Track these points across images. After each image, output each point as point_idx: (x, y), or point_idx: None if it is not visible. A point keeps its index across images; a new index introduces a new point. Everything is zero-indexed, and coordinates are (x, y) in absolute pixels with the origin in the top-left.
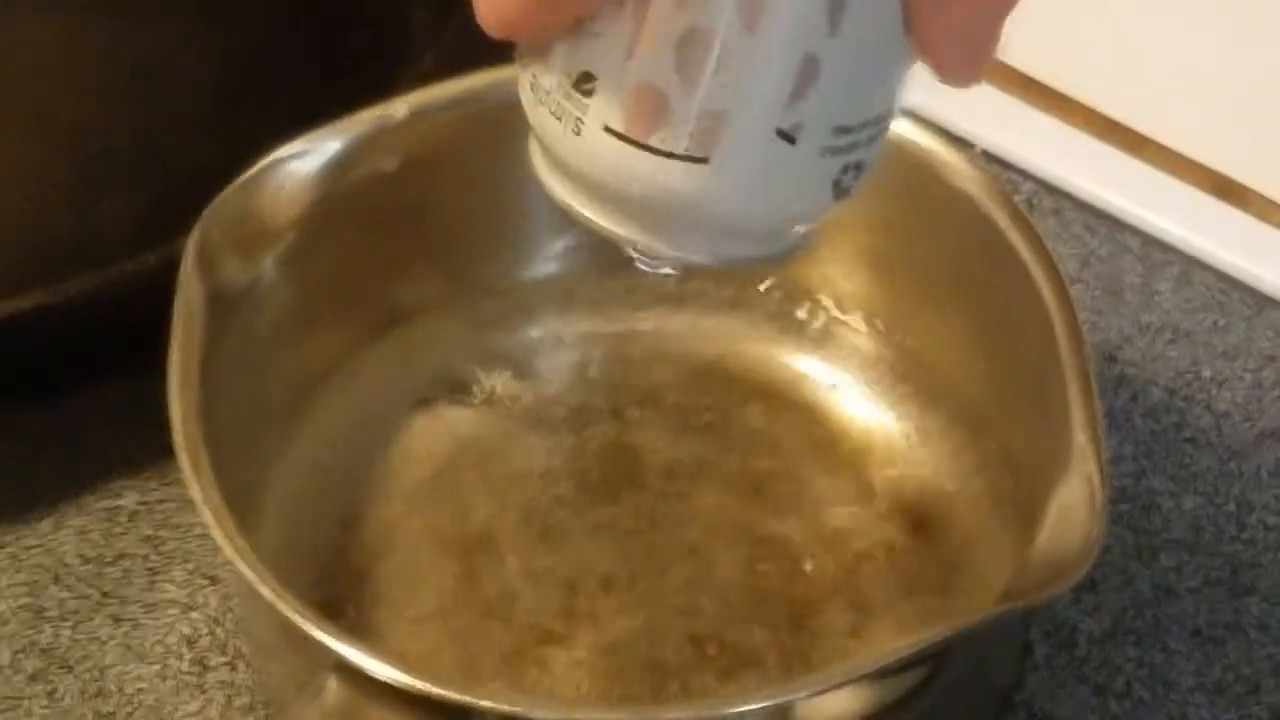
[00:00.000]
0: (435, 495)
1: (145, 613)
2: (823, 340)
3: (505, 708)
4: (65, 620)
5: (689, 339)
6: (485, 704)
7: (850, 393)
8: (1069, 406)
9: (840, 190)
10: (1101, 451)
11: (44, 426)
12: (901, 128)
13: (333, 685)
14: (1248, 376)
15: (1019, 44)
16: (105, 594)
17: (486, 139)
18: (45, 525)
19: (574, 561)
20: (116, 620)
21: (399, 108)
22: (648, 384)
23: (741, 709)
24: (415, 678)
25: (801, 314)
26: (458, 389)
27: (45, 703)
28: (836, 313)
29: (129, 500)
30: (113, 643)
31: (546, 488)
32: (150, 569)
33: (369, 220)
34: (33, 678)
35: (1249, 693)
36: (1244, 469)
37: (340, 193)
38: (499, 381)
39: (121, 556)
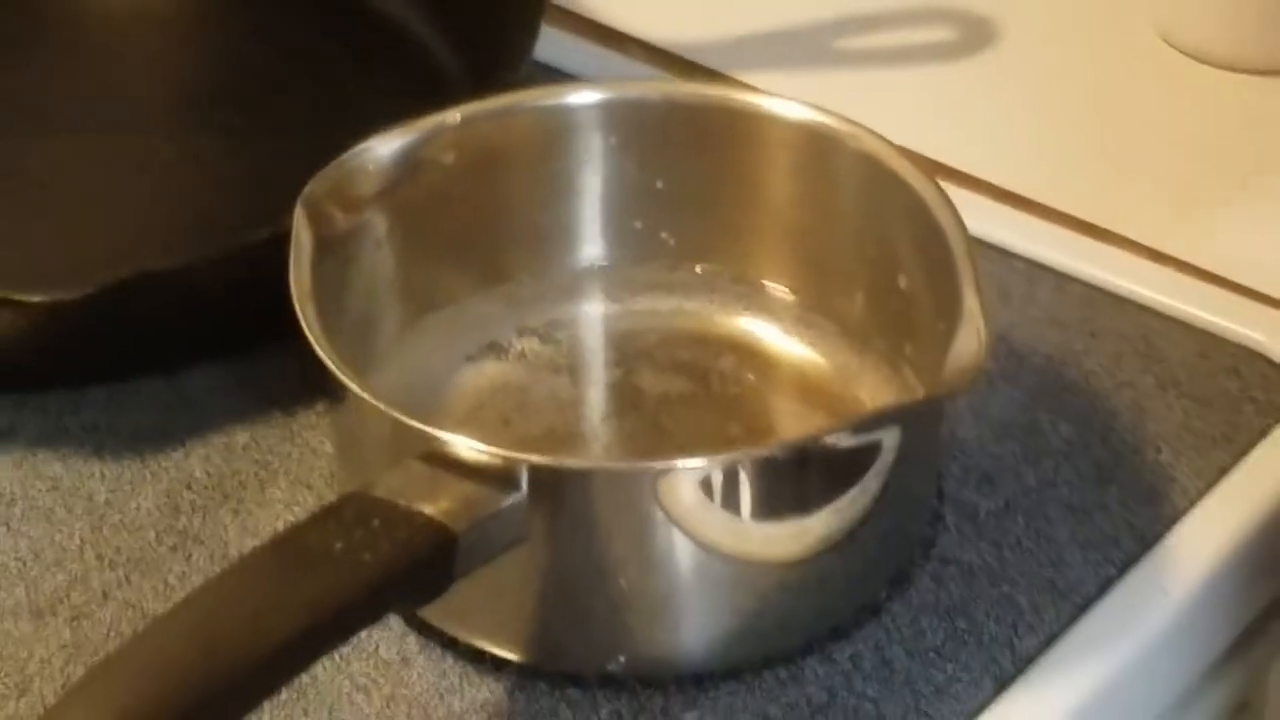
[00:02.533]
0: (478, 419)
1: (258, 507)
2: (765, 306)
3: (564, 463)
4: (195, 512)
5: (676, 314)
6: (541, 460)
7: (786, 341)
8: (960, 285)
9: None
10: (985, 307)
11: (168, 393)
12: (800, 113)
13: (417, 465)
14: (1108, 347)
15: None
16: (225, 495)
17: (522, 147)
18: (177, 454)
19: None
20: (235, 513)
21: (453, 115)
22: (644, 345)
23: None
24: (490, 446)
25: (749, 291)
26: (497, 349)
27: (183, 566)
28: (770, 286)
29: (241, 438)
30: (233, 527)
31: (564, 412)
32: (259, 480)
33: (431, 206)
34: (172, 549)
35: (1111, 545)
36: (1106, 406)
37: (410, 178)
38: (528, 344)
39: (236, 472)
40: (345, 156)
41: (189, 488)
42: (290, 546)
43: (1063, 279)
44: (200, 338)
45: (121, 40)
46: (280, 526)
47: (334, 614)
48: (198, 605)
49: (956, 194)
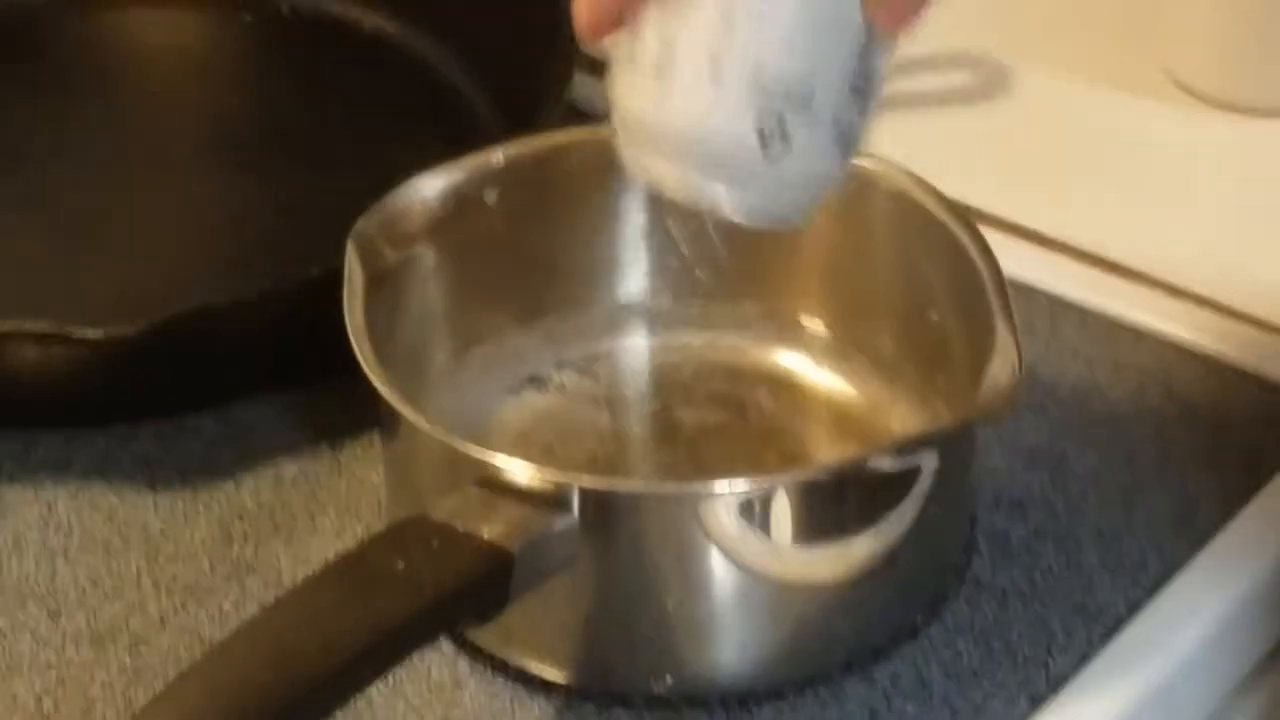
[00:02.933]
0: (522, 450)
1: (309, 536)
2: (799, 340)
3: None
4: (248, 542)
5: (711, 349)
6: (593, 483)
7: (820, 373)
8: (992, 313)
9: (764, 141)
10: (1017, 335)
11: (217, 427)
12: None
13: (473, 490)
14: (1131, 380)
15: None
16: (276, 526)
17: (563, 186)
18: (228, 487)
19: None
20: (286, 542)
21: (497, 155)
22: (681, 378)
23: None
24: (545, 470)
25: (784, 326)
26: (538, 382)
27: (238, 594)
28: (805, 321)
29: (290, 470)
30: (285, 556)
31: (605, 443)
32: (309, 511)
33: (475, 243)
34: (226, 578)
35: (1138, 568)
36: (1130, 435)
37: (455, 215)
38: (568, 378)
39: (286, 504)
40: (393, 194)
41: (240, 519)
42: (353, 567)
43: (1085, 314)
44: (249, 372)
45: (162, 83)
46: (331, 556)
47: (398, 631)
48: (268, 624)
49: None
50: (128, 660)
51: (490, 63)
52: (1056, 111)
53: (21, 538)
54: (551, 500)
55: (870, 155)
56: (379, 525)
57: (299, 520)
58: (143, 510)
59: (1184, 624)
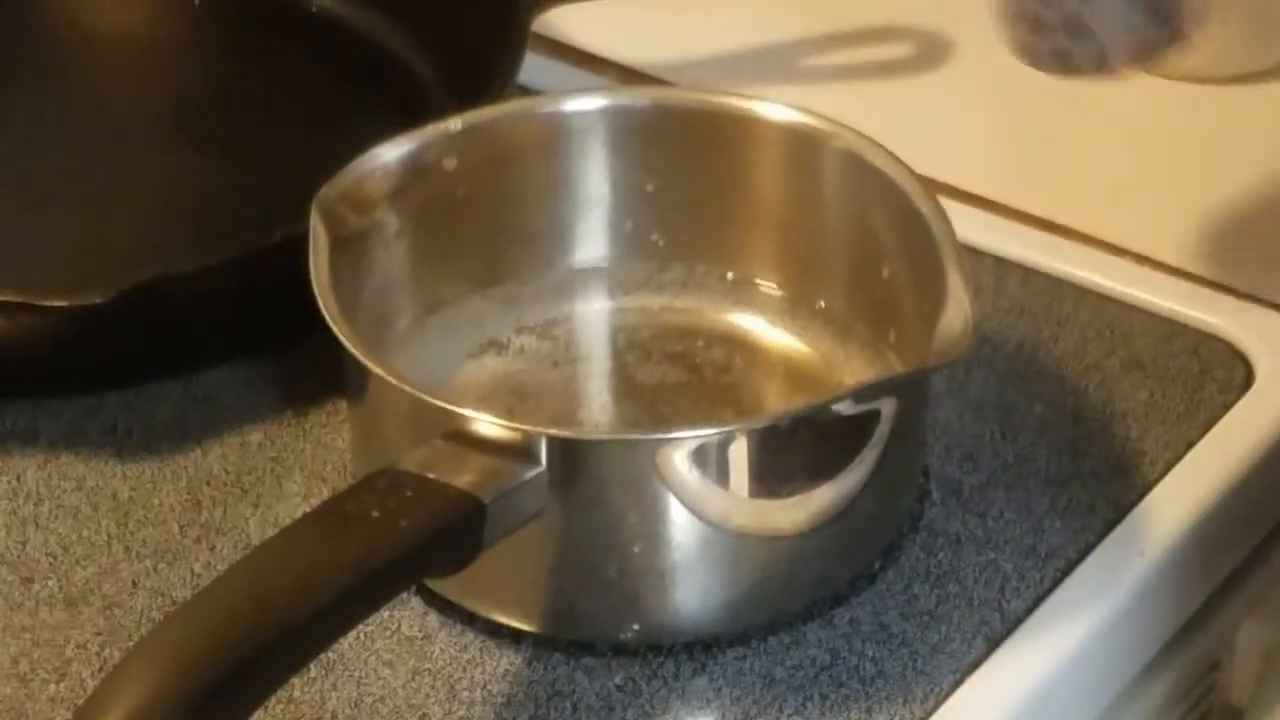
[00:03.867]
0: (484, 411)
1: (276, 500)
2: (753, 300)
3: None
4: (216, 506)
5: (667, 310)
6: (560, 433)
7: (775, 332)
8: (943, 265)
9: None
10: (969, 285)
11: (182, 394)
12: (783, 114)
13: (441, 443)
14: (1074, 334)
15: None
16: (244, 490)
17: (520, 152)
18: (194, 453)
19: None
20: (254, 506)
21: (456, 122)
22: (638, 339)
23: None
24: (514, 422)
25: (738, 286)
26: (497, 346)
27: (208, 556)
28: (759, 281)
29: (255, 436)
30: (254, 519)
31: (566, 402)
32: (276, 475)
33: (435, 209)
34: (196, 541)
35: (1088, 512)
36: (1076, 387)
37: (415, 182)
38: (526, 341)
39: (253, 469)
40: (355, 161)
41: (208, 484)
42: (331, 515)
43: (1028, 273)
44: (213, 340)
45: (113, 61)
46: (298, 516)
47: (375, 577)
48: (249, 567)
49: None
50: (101, 622)
51: (441, 42)
52: (995, 79)
53: None
54: (520, 451)
55: (818, 114)
56: (345, 488)
57: (266, 484)
58: (111, 477)
59: (1131, 565)
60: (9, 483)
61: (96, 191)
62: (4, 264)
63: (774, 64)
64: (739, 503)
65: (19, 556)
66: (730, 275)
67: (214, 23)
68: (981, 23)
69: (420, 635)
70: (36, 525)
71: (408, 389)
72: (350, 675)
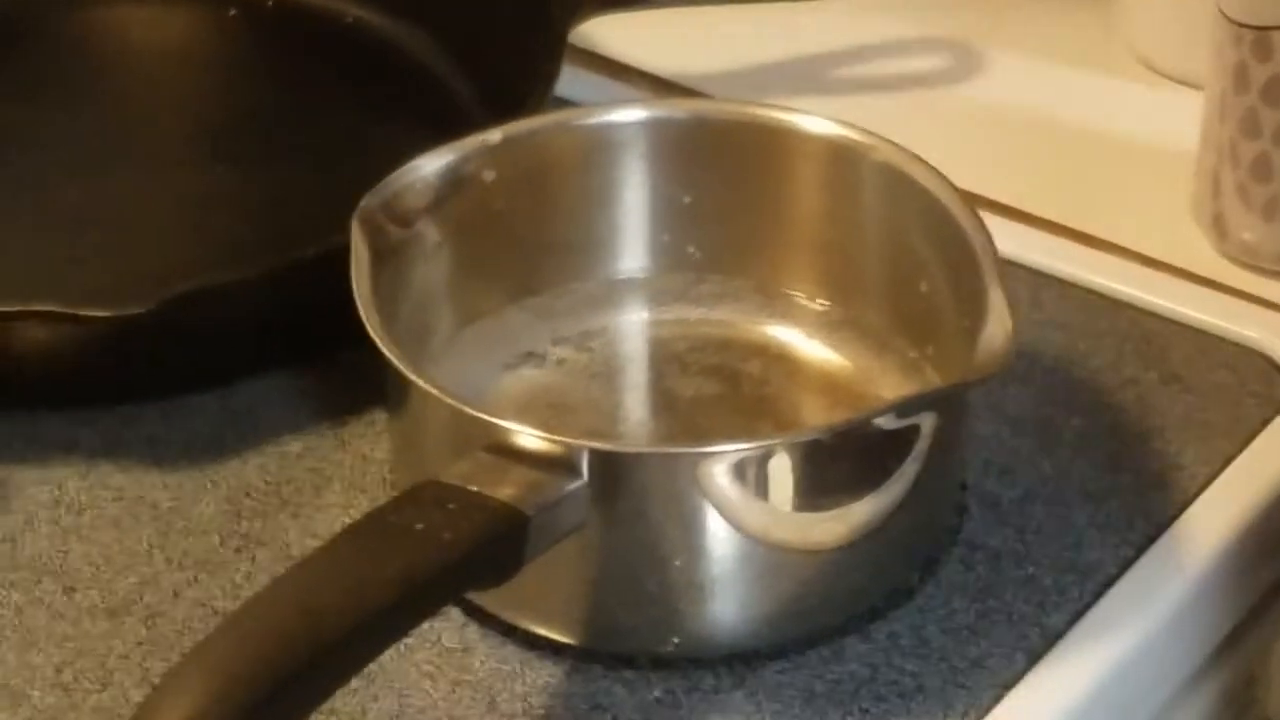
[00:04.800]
0: (522, 423)
1: (315, 511)
2: (791, 313)
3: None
4: (256, 517)
5: (703, 323)
6: (602, 446)
7: (812, 345)
8: (983, 280)
9: None
10: (1005, 301)
11: (221, 406)
12: (822, 127)
13: (482, 455)
14: (1111, 348)
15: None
16: (284, 501)
17: (557, 164)
18: (234, 464)
19: None
20: (294, 516)
21: (495, 134)
22: (674, 351)
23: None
24: (556, 434)
25: (775, 299)
26: (534, 358)
27: (249, 566)
28: (796, 294)
29: (295, 447)
30: (293, 529)
31: (602, 415)
32: (315, 486)
33: (475, 221)
34: (236, 551)
35: (1127, 527)
36: (1113, 401)
37: (454, 194)
38: (564, 352)
39: (292, 479)
40: (395, 174)
41: (248, 495)
42: (374, 528)
43: (1065, 286)
44: (252, 352)
45: (152, 76)
46: (338, 528)
47: (420, 589)
48: (296, 581)
49: None
50: (144, 632)
51: (478, 54)
52: (1028, 92)
53: (34, 517)
54: (562, 464)
55: (857, 127)
56: (384, 499)
57: (305, 495)
58: (151, 488)
59: (1171, 579)
60: (50, 493)
61: (135, 206)
62: (45, 277)
63: (810, 75)
64: (779, 516)
65: (61, 566)
66: (769, 287)
67: (249, 37)
68: (1014, 33)
69: (460, 648)
70: (78, 536)
71: (450, 401)
72: (390, 687)
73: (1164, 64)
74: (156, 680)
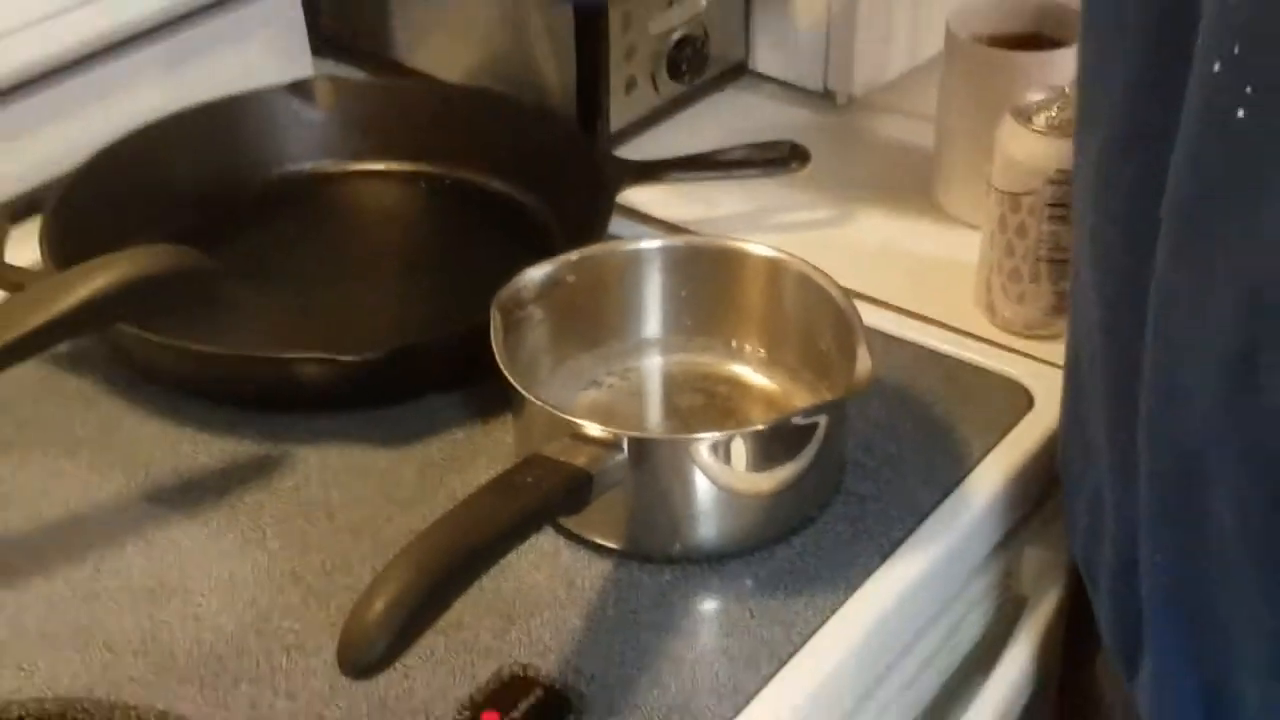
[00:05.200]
0: (588, 420)
1: (471, 473)
2: (744, 358)
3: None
4: (436, 476)
5: (694, 364)
6: (635, 434)
7: (759, 378)
8: (856, 338)
9: None
10: (868, 350)
11: (415, 412)
12: (763, 251)
13: (566, 440)
14: (929, 380)
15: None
16: (453, 468)
17: (611, 271)
18: (423, 445)
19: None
20: (459, 475)
21: (573, 254)
22: (677, 381)
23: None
24: (608, 427)
25: (735, 350)
26: (596, 384)
27: (434, 506)
28: (748, 347)
29: (459, 435)
30: (459, 484)
31: (637, 417)
32: (470, 458)
33: (563, 305)
34: (425, 496)
35: (938, 482)
36: (931, 412)
37: (550, 289)
38: (614, 381)
39: (457, 457)
40: (515, 278)
41: (431, 465)
42: (504, 481)
43: (902, 343)
44: (434, 379)
45: (373, 221)
46: (483, 481)
47: (530, 517)
48: (459, 513)
49: None
50: (371, 543)
51: (564, 208)
52: (875, 232)
53: (309, 475)
54: (612, 445)
55: (783, 251)
56: (509, 465)
57: (464, 464)
58: (376, 459)
59: (963, 513)
60: (318, 460)
61: (363, 298)
62: (314, 337)
63: (755, 223)
64: (738, 475)
65: (324, 503)
66: (732, 343)
67: (431, 199)
68: (870, 217)
69: (552, 551)
70: (335, 486)
71: (548, 408)
72: (512, 573)
73: (961, 214)
74: (378, 569)
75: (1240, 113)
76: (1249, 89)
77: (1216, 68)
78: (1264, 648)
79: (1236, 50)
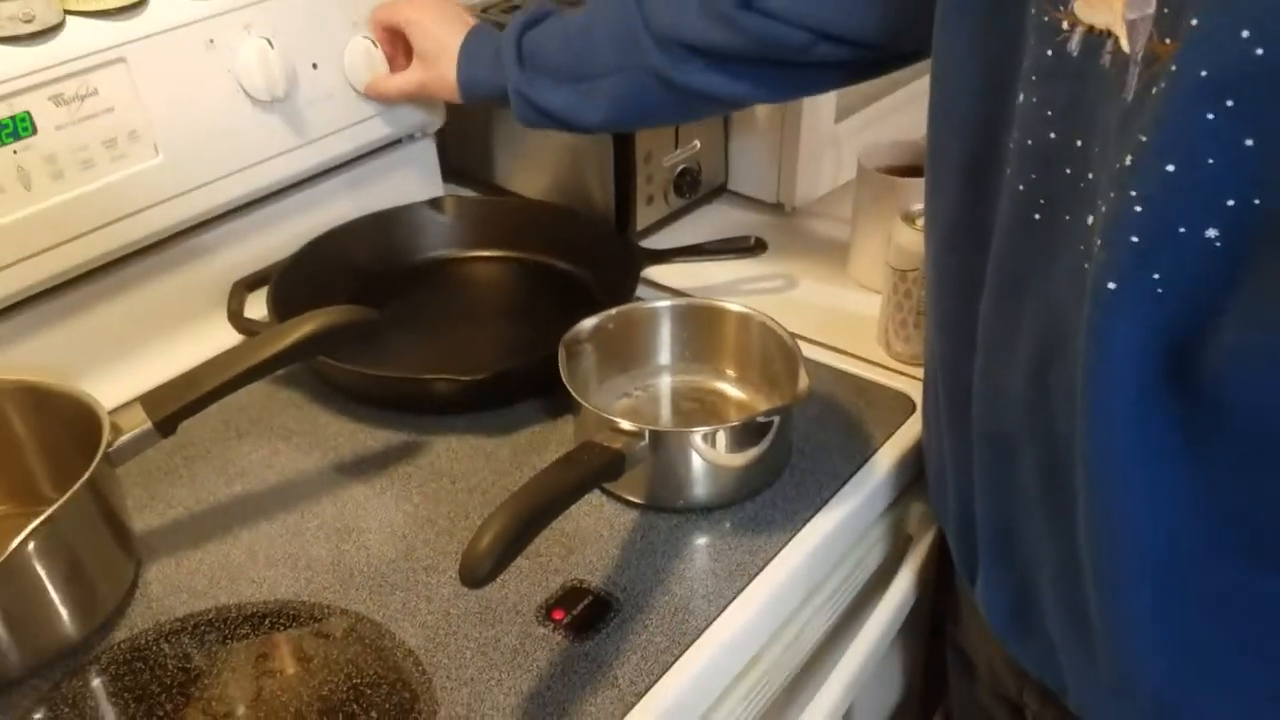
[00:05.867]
0: (623, 419)
1: (545, 454)
2: (726, 378)
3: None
4: (522, 457)
5: (692, 383)
6: (654, 428)
7: (734, 391)
8: (797, 365)
9: None
10: (806, 372)
11: (508, 415)
12: (738, 308)
13: (609, 431)
14: (848, 392)
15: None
16: (533, 451)
17: (637, 322)
18: (514, 436)
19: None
20: (539, 455)
21: (612, 310)
22: (681, 393)
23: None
24: (637, 424)
25: (719, 373)
26: (627, 395)
27: (517, 478)
28: (728, 371)
29: (538, 429)
30: (538, 461)
31: (654, 418)
32: (545, 444)
33: (604, 350)
34: (514, 470)
35: (852, 461)
36: (850, 415)
37: (597, 332)
38: (639, 393)
39: (536, 444)
40: (574, 328)
41: (518, 449)
42: (568, 460)
43: (828, 368)
44: (521, 392)
45: (478, 287)
46: (553, 458)
47: (585, 482)
48: (538, 480)
49: None
50: (479, 498)
51: (605, 280)
52: (823, 298)
53: (438, 456)
54: (638, 435)
55: (751, 309)
56: (572, 447)
57: (540, 448)
58: (482, 445)
59: (868, 481)
60: (445, 445)
61: (472, 337)
62: (441, 363)
63: (731, 288)
64: (721, 455)
65: (448, 473)
66: (717, 369)
67: (513, 274)
68: (820, 272)
69: (598, 504)
70: (455, 461)
71: (596, 411)
72: (572, 519)
73: (868, 283)
74: (485, 516)
75: (1037, 216)
76: (1042, 201)
77: (1021, 188)
78: (1053, 563)
79: (1033, 176)
